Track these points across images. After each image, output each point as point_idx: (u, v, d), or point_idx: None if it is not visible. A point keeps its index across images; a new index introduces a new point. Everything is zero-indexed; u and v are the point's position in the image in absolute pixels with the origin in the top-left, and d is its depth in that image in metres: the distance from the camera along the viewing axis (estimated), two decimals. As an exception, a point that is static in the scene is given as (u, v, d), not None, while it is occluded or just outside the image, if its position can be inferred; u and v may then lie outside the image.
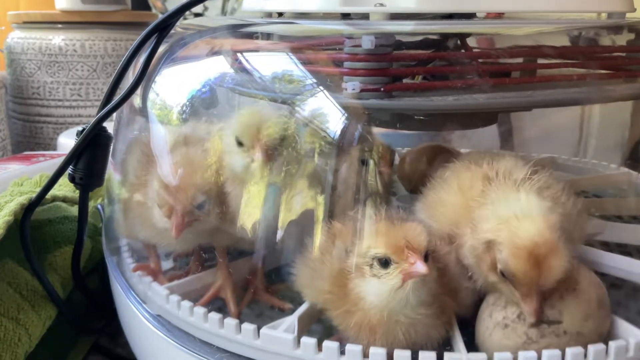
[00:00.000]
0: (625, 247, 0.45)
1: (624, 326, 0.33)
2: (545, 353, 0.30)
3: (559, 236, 0.29)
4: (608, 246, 0.44)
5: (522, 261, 0.28)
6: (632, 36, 0.43)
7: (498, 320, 0.31)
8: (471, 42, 0.41)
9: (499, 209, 0.31)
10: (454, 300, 0.33)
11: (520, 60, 0.42)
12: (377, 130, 0.58)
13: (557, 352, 0.30)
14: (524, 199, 0.31)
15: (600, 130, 0.62)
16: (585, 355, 0.30)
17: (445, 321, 0.32)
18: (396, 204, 0.50)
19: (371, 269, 0.31)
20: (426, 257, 0.30)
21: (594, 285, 0.32)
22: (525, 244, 0.28)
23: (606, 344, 0.31)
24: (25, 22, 0.98)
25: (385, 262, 0.30)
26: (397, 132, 0.62)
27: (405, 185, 0.53)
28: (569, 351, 0.30)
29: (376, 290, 0.31)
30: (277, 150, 0.36)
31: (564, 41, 0.42)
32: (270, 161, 0.35)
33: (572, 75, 0.39)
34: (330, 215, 0.37)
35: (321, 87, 0.36)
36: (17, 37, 0.97)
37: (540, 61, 0.41)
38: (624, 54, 0.43)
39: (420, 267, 0.29)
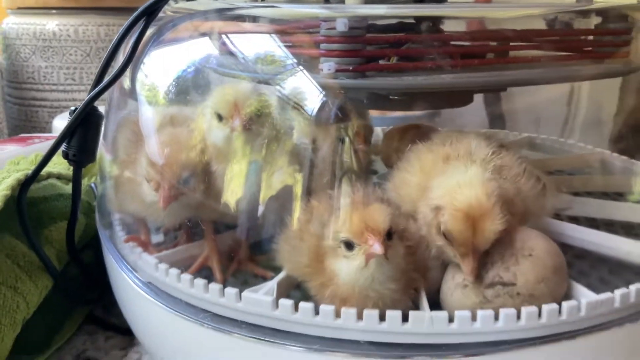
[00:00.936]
0: (594, 221, 0.48)
1: (579, 289, 0.35)
2: (502, 312, 0.32)
3: (494, 202, 0.32)
4: (578, 220, 0.47)
5: (458, 222, 0.31)
6: (599, 20, 0.45)
7: (458, 282, 0.33)
8: (461, 24, 0.43)
9: (446, 180, 0.34)
10: (424, 277, 0.35)
11: (491, 43, 0.44)
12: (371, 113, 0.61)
13: (512, 311, 0.32)
14: (468, 170, 0.34)
15: (587, 113, 0.65)
16: (540, 314, 0.33)
17: (413, 294, 0.34)
18: (375, 182, 0.52)
19: (340, 250, 0.33)
20: (390, 236, 0.32)
21: (551, 252, 0.34)
22: (462, 207, 0.32)
23: (560, 304, 0.33)
24: (19, 8, 0.99)
25: (349, 245, 0.33)
26: (392, 114, 0.65)
27: (387, 163, 0.55)
28: (524, 310, 0.32)
29: (346, 269, 0.33)
30: (255, 120, 0.38)
31: (534, 24, 0.44)
32: (248, 129, 0.38)
33: (538, 57, 0.42)
34: (309, 191, 0.40)
35: (300, 67, 0.38)
36: (12, 22, 0.99)
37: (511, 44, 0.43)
38: (589, 37, 0.45)
39: (377, 248, 0.31)
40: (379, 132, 0.65)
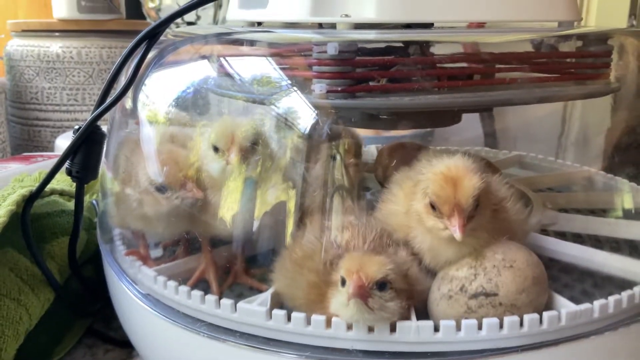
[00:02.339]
0: (580, 236, 0.49)
1: (560, 300, 0.37)
2: (485, 321, 0.34)
3: (473, 167, 0.35)
4: (564, 236, 0.48)
5: (439, 182, 0.34)
6: (580, 43, 0.47)
7: (444, 292, 0.35)
8: (447, 48, 0.45)
9: (432, 169, 0.36)
10: (417, 299, 0.36)
11: (476, 65, 0.46)
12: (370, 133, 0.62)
13: (495, 321, 0.34)
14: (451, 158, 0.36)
15: (576, 133, 0.67)
16: (521, 324, 0.34)
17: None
18: (369, 198, 0.54)
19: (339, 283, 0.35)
20: (383, 286, 0.33)
21: (531, 264, 0.36)
22: (441, 170, 0.35)
23: (541, 314, 0.35)
24: (24, 31, 1.02)
25: (343, 282, 0.34)
26: (389, 134, 0.67)
27: (380, 180, 0.57)
28: (507, 319, 0.34)
29: (336, 301, 0.35)
30: (250, 151, 0.40)
31: (518, 48, 0.47)
32: (244, 161, 0.40)
33: (521, 78, 0.44)
34: (302, 208, 0.41)
35: (294, 88, 0.40)
36: (16, 44, 1.02)
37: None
38: (572, 59, 0.47)
39: (351, 291, 0.33)
40: (373, 150, 0.67)
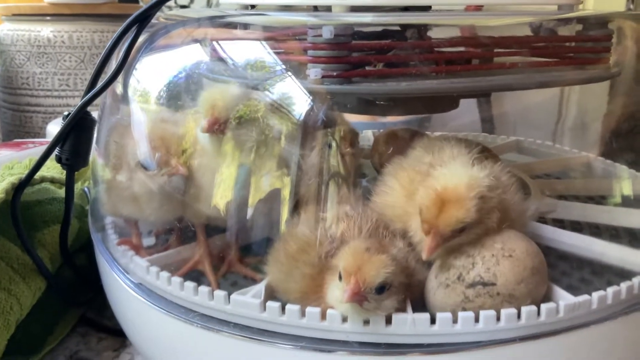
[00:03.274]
0: (579, 224, 0.49)
1: (559, 292, 0.36)
2: (482, 313, 0.33)
3: (471, 196, 0.32)
4: (562, 223, 0.48)
5: (428, 198, 0.33)
6: (580, 27, 0.46)
7: (441, 281, 0.34)
8: (445, 32, 0.44)
9: (447, 171, 0.35)
10: (414, 291, 0.36)
11: (475, 49, 0.45)
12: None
13: (492, 313, 0.33)
14: (471, 169, 0.35)
15: (578, 118, 0.66)
16: (519, 316, 0.33)
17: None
18: (365, 185, 0.53)
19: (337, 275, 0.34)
20: (381, 289, 0.32)
21: (531, 254, 0.35)
22: (437, 187, 0.33)
23: (538, 306, 0.34)
24: (14, 15, 1.00)
25: (340, 277, 0.33)
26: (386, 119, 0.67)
27: (377, 167, 0.56)
28: (504, 312, 0.33)
29: (333, 295, 0.34)
30: (232, 125, 0.39)
31: (517, 32, 0.46)
32: (216, 131, 0.39)
33: (520, 63, 0.43)
34: (297, 196, 0.41)
35: (288, 73, 0.40)
36: (7, 29, 1.00)
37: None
38: (571, 43, 0.46)
39: (346, 297, 0.32)
40: (370, 136, 0.67)
